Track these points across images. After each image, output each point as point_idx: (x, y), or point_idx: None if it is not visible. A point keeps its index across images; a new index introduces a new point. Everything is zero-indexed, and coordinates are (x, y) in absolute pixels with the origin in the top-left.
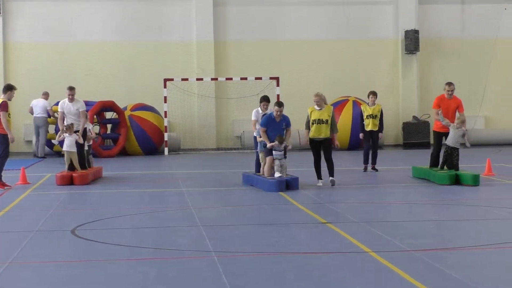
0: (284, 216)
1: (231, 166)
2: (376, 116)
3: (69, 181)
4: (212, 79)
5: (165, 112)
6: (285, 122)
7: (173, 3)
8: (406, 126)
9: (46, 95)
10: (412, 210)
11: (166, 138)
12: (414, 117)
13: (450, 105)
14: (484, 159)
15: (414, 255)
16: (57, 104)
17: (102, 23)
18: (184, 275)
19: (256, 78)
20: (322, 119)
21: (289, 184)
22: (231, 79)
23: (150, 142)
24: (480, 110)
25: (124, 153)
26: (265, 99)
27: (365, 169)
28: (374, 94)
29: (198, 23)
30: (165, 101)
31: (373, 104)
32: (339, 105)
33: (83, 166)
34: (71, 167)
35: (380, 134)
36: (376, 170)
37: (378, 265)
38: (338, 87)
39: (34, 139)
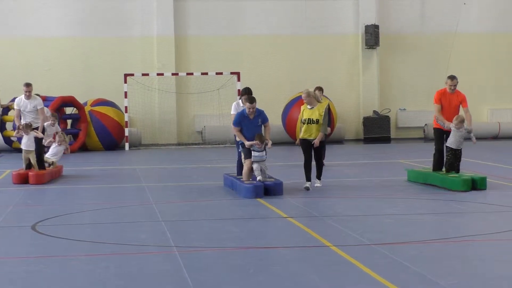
0: (245, 210)
1: (193, 161)
2: None
3: (25, 180)
4: (172, 74)
5: (126, 107)
6: (261, 118)
7: None
8: (367, 121)
9: None
10: (371, 204)
11: (126, 133)
12: (374, 111)
13: (452, 100)
14: None
15: (374, 248)
16: (13, 100)
17: (61, 17)
18: (145, 270)
19: (217, 73)
20: (312, 118)
21: (270, 190)
22: (192, 74)
23: (111, 137)
24: None
25: (84, 148)
26: (247, 92)
27: None
28: (320, 89)
29: (158, 18)
30: (126, 96)
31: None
32: (299, 100)
33: (41, 165)
34: (29, 166)
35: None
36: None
37: (338, 259)
38: (299, 82)
39: None
